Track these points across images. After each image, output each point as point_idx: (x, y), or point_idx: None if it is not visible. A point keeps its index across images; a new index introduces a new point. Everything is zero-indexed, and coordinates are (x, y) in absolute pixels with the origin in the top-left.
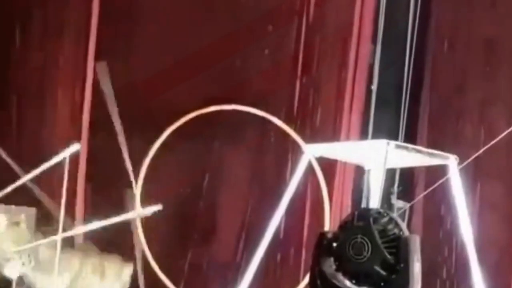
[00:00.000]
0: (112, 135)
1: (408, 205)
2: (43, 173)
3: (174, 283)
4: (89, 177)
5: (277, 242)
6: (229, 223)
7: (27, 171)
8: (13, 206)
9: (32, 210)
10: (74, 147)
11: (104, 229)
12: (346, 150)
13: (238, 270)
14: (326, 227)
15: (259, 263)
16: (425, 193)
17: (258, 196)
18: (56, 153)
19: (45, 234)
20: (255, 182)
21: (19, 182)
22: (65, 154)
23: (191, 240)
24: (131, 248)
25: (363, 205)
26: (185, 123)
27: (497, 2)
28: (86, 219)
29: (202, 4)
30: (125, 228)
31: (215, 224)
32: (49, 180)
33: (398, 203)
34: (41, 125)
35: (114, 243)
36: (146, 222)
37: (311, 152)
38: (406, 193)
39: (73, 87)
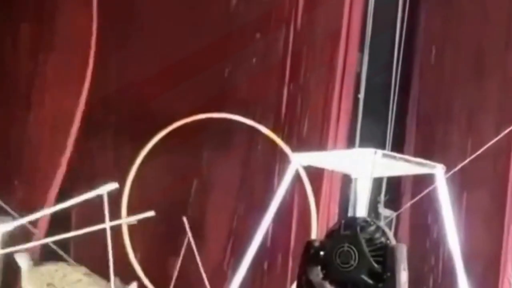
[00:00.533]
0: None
1: (395, 214)
2: None
3: None
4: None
5: (264, 250)
6: (216, 230)
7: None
8: None
9: None
10: (112, 186)
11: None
12: (333, 159)
13: (225, 278)
14: (313, 236)
15: (246, 271)
16: (412, 202)
17: (246, 204)
18: None
19: None
20: (243, 190)
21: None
22: (102, 191)
23: (178, 247)
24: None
25: (350, 213)
26: (173, 130)
27: (486, 10)
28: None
29: (190, 11)
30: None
31: (202, 232)
32: None
33: (385, 212)
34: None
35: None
36: (133, 229)
37: (298, 160)
38: (393, 202)
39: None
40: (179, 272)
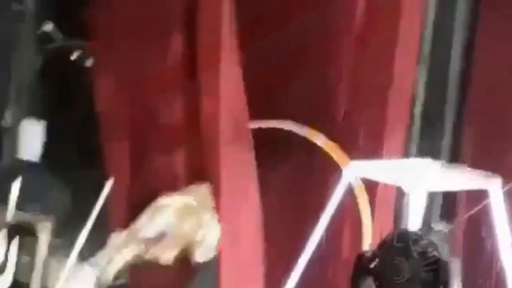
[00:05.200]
0: None
1: (449, 227)
2: None
3: None
4: None
5: (316, 259)
6: (269, 237)
7: None
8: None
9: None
10: None
11: None
12: (388, 170)
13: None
14: (365, 247)
15: (297, 280)
16: (466, 216)
17: (299, 213)
18: None
19: None
20: (296, 199)
21: None
22: None
23: None
24: None
25: (404, 226)
26: None
27: None
28: None
29: None
30: None
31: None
32: None
33: (438, 226)
34: None
35: None
36: None
37: (352, 171)
38: (448, 215)
39: None
40: None
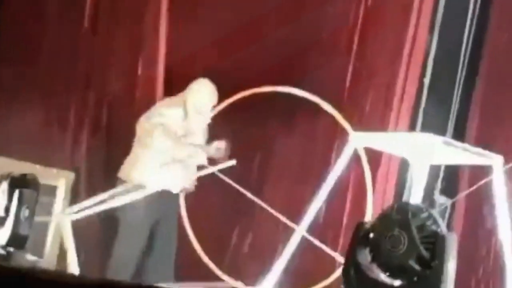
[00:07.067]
0: None
1: (450, 201)
2: None
3: (215, 261)
4: None
5: (316, 226)
6: (273, 202)
7: None
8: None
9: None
10: None
11: None
12: (393, 141)
13: (276, 250)
14: (367, 217)
15: (297, 245)
16: (468, 191)
17: (304, 179)
18: None
19: None
20: (302, 165)
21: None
22: None
23: (236, 217)
24: None
25: (405, 198)
26: (238, 100)
27: None
28: None
29: None
30: None
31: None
32: None
33: (440, 199)
34: None
35: None
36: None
37: (358, 140)
38: (449, 189)
39: None
40: (235, 244)
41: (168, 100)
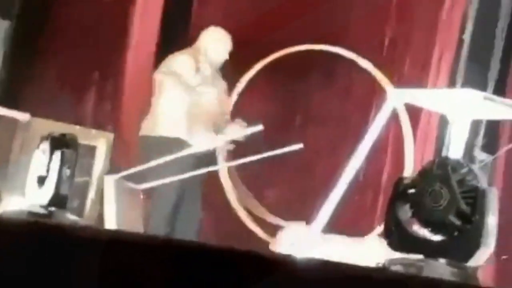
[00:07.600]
0: None
1: (490, 157)
2: None
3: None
4: None
5: (355, 184)
6: (313, 162)
7: None
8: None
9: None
10: None
11: None
12: (432, 98)
13: (315, 209)
14: (407, 173)
15: (336, 204)
16: (509, 147)
17: (343, 137)
18: None
19: None
20: (341, 123)
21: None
22: None
23: (282, 175)
24: None
25: (445, 154)
26: (275, 60)
27: None
28: None
29: None
30: None
31: (300, 162)
32: None
33: (480, 155)
34: None
35: None
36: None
37: (397, 97)
38: (490, 145)
39: None
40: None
41: (180, 52)
